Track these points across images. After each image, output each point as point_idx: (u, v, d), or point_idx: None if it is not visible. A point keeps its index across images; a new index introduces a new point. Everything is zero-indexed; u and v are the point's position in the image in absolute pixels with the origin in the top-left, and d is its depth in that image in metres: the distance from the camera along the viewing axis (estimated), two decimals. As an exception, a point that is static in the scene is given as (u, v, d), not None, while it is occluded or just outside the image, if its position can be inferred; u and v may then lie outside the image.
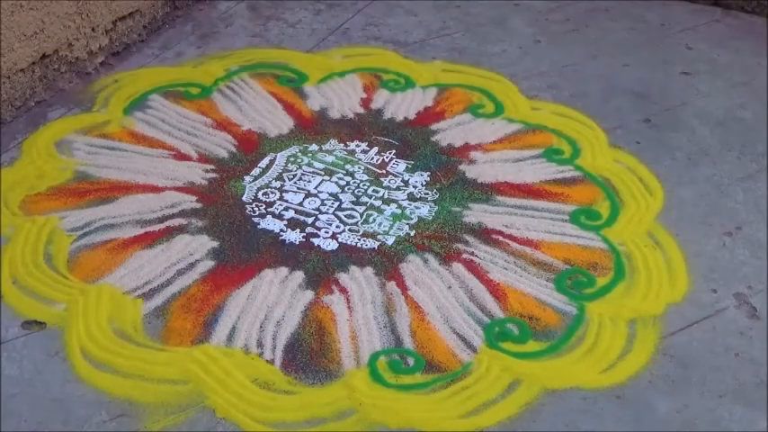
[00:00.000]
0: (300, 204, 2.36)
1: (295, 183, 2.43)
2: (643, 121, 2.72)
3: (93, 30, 2.84)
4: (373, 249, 2.22)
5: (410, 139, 2.61)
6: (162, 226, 2.26)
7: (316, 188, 2.42)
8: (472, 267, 2.17)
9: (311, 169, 2.48)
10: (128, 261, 2.16)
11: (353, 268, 2.16)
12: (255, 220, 2.30)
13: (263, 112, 2.70)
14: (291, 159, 2.52)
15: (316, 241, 2.24)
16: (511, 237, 2.27)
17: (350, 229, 2.28)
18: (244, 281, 2.12)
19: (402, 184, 2.44)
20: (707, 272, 2.18)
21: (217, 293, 2.08)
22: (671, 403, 1.86)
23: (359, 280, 2.13)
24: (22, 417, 1.80)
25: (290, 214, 2.32)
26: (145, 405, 1.82)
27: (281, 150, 2.55)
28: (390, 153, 2.56)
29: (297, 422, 1.80)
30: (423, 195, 2.40)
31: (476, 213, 2.34)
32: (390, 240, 2.25)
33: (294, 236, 2.25)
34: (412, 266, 2.17)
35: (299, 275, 2.14)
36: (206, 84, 2.81)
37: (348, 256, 2.20)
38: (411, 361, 1.94)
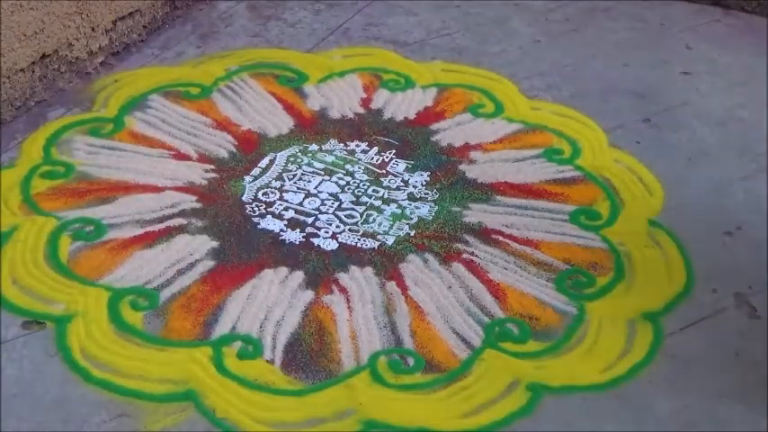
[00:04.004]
0: (300, 204, 2.36)
1: (295, 183, 2.43)
2: (643, 121, 2.72)
3: (93, 30, 2.84)
4: (373, 249, 2.22)
5: (410, 139, 2.61)
6: (162, 226, 2.26)
7: (316, 188, 2.42)
8: (472, 267, 2.17)
9: (311, 169, 2.48)
10: (128, 261, 2.16)
11: (353, 268, 2.16)
12: (255, 220, 2.30)
13: (263, 112, 2.70)
14: (291, 159, 2.52)
15: (316, 241, 2.24)
16: (511, 237, 2.27)
17: (350, 229, 2.28)
18: (244, 281, 2.12)
19: (402, 183, 2.44)
20: (707, 272, 2.18)
21: (217, 293, 2.08)
22: (671, 403, 1.86)
23: (359, 280, 2.13)
24: (22, 417, 1.80)
25: (290, 214, 2.32)
26: (145, 405, 1.82)
27: (281, 150, 2.55)
28: (390, 153, 2.56)
29: (297, 422, 1.80)
30: (423, 195, 2.40)
31: (476, 213, 2.34)
32: (390, 240, 2.25)
33: (294, 236, 2.25)
34: (412, 266, 2.17)
35: (299, 275, 2.14)
36: (206, 84, 2.81)
37: (348, 256, 2.20)
38: (411, 361, 1.94)
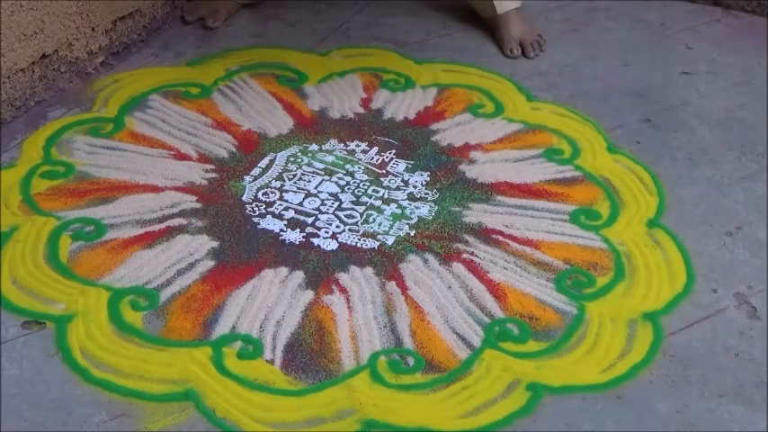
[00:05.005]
0: (300, 204, 2.36)
1: (295, 183, 2.43)
2: (643, 121, 2.72)
3: (93, 30, 2.84)
4: (373, 249, 2.22)
5: (410, 139, 2.61)
6: (162, 226, 2.26)
7: (316, 188, 2.42)
8: (472, 267, 2.17)
9: (311, 169, 2.48)
10: (128, 261, 2.16)
11: (353, 268, 2.16)
12: (255, 219, 2.30)
13: (263, 112, 2.70)
14: (291, 159, 2.52)
15: (316, 241, 2.24)
16: (511, 237, 2.27)
17: (350, 229, 2.28)
18: (244, 281, 2.12)
19: (402, 183, 2.44)
20: (707, 272, 2.18)
21: (217, 293, 2.08)
22: (671, 403, 1.86)
23: (359, 280, 2.13)
24: (22, 417, 1.80)
25: (290, 214, 2.33)
26: (145, 405, 1.82)
27: (281, 150, 2.55)
28: (390, 153, 2.56)
29: (297, 422, 1.80)
30: (423, 195, 2.40)
31: (476, 213, 2.34)
32: (390, 240, 2.25)
33: (294, 236, 2.25)
34: (412, 266, 2.17)
35: (299, 275, 2.14)
36: (206, 84, 2.81)
37: (348, 256, 2.20)
38: (411, 361, 1.94)
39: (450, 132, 2.65)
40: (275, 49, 3.03)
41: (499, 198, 2.40)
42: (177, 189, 2.39)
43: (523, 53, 3.01)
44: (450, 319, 2.04)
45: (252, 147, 2.56)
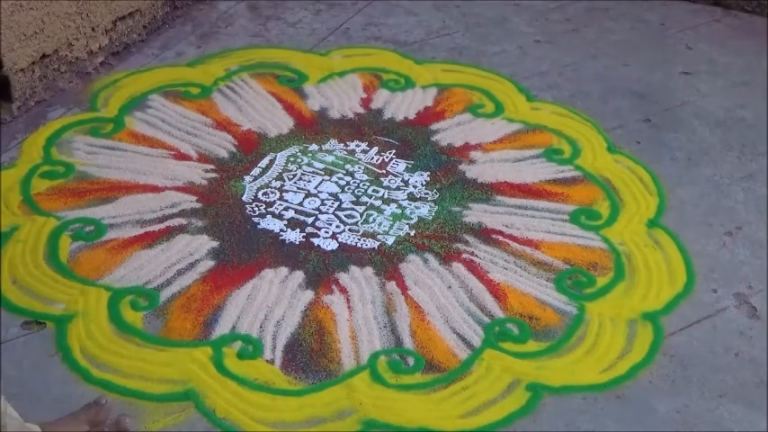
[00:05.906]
0: (300, 204, 2.36)
1: (295, 183, 2.43)
2: (643, 121, 2.72)
3: (93, 30, 2.84)
4: (373, 249, 2.22)
5: (410, 139, 2.61)
6: (162, 226, 2.26)
7: (316, 188, 2.42)
8: (472, 267, 2.17)
9: (311, 169, 2.48)
10: (128, 261, 2.16)
11: (353, 268, 2.16)
12: (255, 219, 2.30)
13: (263, 112, 2.70)
14: (291, 159, 2.52)
15: (316, 241, 2.24)
16: (511, 237, 2.27)
17: (350, 229, 2.28)
18: (244, 281, 2.12)
19: (402, 183, 2.44)
20: (707, 272, 2.18)
21: (217, 293, 2.08)
22: (671, 403, 1.86)
23: (359, 280, 2.13)
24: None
25: (290, 214, 2.32)
26: (145, 405, 1.82)
27: (281, 150, 2.55)
28: (390, 153, 2.56)
29: (297, 422, 1.80)
30: (423, 195, 2.40)
31: (476, 213, 2.34)
32: (390, 240, 2.25)
33: (294, 236, 2.25)
34: (412, 266, 2.17)
35: (299, 275, 2.14)
36: (206, 84, 2.81)
37: (348, 256, 2.20)
38: (411, 361, 1.94)
39: (450, 132, 2.65)
40: (275, 49, 3.04)
41: (499, 198, 2.40)
42: (177, 189, 2.39)
43: None
44: (450, 319, 2.03)
45: (252, 147, 2.56)
